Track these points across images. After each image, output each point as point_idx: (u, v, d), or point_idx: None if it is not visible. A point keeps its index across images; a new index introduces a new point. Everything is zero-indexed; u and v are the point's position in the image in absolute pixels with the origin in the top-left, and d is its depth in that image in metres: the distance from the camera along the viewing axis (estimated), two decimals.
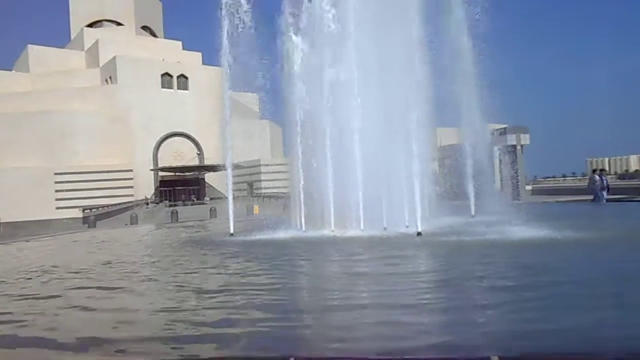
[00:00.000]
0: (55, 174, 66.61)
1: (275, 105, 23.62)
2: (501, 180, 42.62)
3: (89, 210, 46.00)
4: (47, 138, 69.13)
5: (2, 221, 53.08)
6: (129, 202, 63.06)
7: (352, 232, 16.69)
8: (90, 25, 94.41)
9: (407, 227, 17.00)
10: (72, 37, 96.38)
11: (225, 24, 19.44)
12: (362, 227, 17.00)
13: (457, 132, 24.93)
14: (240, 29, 19.43)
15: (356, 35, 18.33)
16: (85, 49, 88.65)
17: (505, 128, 43.02)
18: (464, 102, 22.61)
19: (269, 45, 20.83)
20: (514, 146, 43.05)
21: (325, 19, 18.79)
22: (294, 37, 19.47)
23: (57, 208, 63.43)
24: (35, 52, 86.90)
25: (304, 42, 19.45)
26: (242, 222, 22.57)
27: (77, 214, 49.98)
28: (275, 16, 20.33)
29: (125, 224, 34.69)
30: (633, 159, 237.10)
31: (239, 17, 19.47)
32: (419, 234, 15.36)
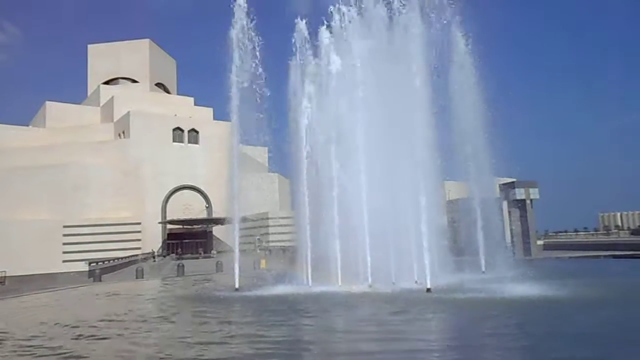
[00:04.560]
0: (64, 226, 66.79)
1: (284, 158, 23.88)
2: (511, 235, 42.01)
3: (95, 264, 45.66)
4: (59, 191, 69.90)
5: (7, 275, 52.71)
6: (135, 255, 62.63)
7: (360, 288, 16.30)
8: (106, 83, 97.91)
9: (417, 282, 16.60)
10: (89, 93, 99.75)
11: (235, 81, 20.03)
12: (370, 283, 16.62)
13: (465, 186, 24.83)
14: (249, 85, 20.00)
15: (363, 92, 18.74)
16: (101, 104, 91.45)
17: (514, 182, 42.84)
18: (472, 156, 22.66)
19: (277, 101, 21.36)
20: (523, 200, 42.69)
21: (332, 78, 19.32)
22: (302, 96, 19.95)
23: (64, 261, 63.06)
24: (52, 108, 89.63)
25: (312, 99, 19.90)
26: (248, 277, 22.22)
27: (84, 267, 49.58)
28: (284, 75, 21.02)
29: (134, 278, 34.26)
30: None
31: (249, 74, 20.08)
32: (428, 290, 14.97)
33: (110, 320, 12.04)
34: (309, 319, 11.63)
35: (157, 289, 23.03)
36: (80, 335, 10.07)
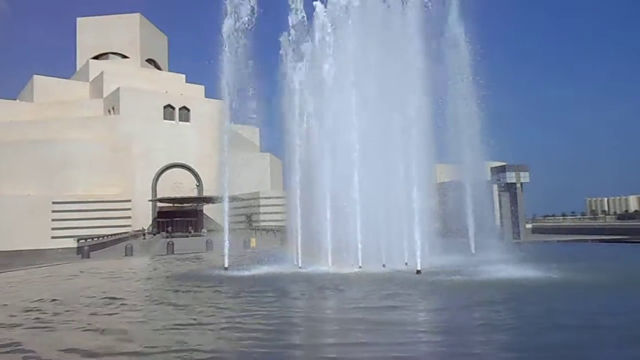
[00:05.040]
0: (53, 202, 66.25)
1: (276, 138, 23.69)
2: (501, 218, 42.31)
3: (83, 241, 45.36)
4: (47, 167, 69.17)
5: None
6: (125, 232, 62.43)
7: (349, 269, 16.33)
8: (96, 57, 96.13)
9: (407, 264, 16.65)
10: (78, 68, 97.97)
11: (227, 58, 19.66)
12: (360, 264, 16.65)
13: (456, 169, 24.84)
14: (242, 63, 19.65)
15: (356, 74, 18.49)
16: (90, 80, 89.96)
17: (504, 166, 42.97)
18: (464, 139, 22.62)
19: (271, 80, 21.05)
20: (514, 184, 42.89)
21: (325, 57, 19.02)
22: (294, 74, 19.63)
23: (53, 237, 62.70)
24: (40, 82, 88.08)
25: (306, 78, 19.60)
26: (238, 256, 22.19)
27: (73, 243, 49.34)
28: (276, 54, 20.63)
29: (123, 255, 34.16)
30: (632, 199, 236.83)
31: (241, 52, 19.71)
32: (418, 272, 15.02)
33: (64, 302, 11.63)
34: (292, 302, 11.43)
35: (144, 267, 22.88)
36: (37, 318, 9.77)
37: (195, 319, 9.30)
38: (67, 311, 10.43)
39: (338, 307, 10.76)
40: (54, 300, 11.87)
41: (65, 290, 14.05)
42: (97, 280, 16.70)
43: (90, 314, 10.10)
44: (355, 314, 9.53)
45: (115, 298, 12.01)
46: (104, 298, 12.12)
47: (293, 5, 19.96)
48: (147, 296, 13.11)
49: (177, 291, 13.07)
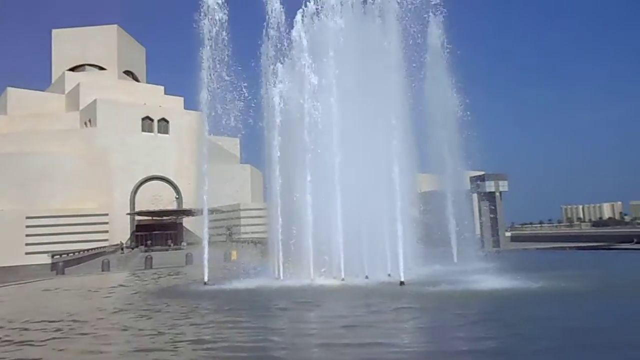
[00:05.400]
0: (27, 217, 64.47)
1: (256, 149, 23.47)
2: (481, 227, 42.70)
3: (58, 256, 44.09)
4: (22, 180, 67.38)
5: None
6: (102, 247, 60.98)
7: (332, 281, 16.11)
8: (72, 69, 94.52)
9: (390, 275, 16.51)
10: (54, 80, 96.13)
11: (206, 68, 19.48)
12: (342, 276, 16.45)
13: (436, 179, 24.98)
14: (221, 74, 19.49)
15: (337, 82, 18.46)
16: (66, 92, 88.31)
17: (484, 175, 43.48)
18: (444, 149, 22.79)
19: (251, 91, 20.88)
20: (493, 193, 43.38)
21: (306, 67, 18.95)
22: (273, 85, 19.51)
23: (27, 253, 60.91)
24: (14, 95, 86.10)
25: (285, 88, 19.49)
26: (218, 269, 21.74)
27: (47, 259, 47.97)
28: (256, 63, 20.51)
29: (99, 271, 33.28)
30: (606, 206, 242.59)
31: (220, 62, 19.56)
32: (401, 283, 14.89)
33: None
34: (270, 319, 10.84)
35: (120, 282, 22.17)
36: None
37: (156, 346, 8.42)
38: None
39: (320, 327, 9.92)
40: None
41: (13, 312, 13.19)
42: (59, 299, 15.94)
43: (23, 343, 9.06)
44: (340, 338, 8.53)
45: (74, 321, 11.05)
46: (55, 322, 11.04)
47: (272, 16, 19.90)
48: (100, 318, 11.70)
49: (146, 310, 12.25)
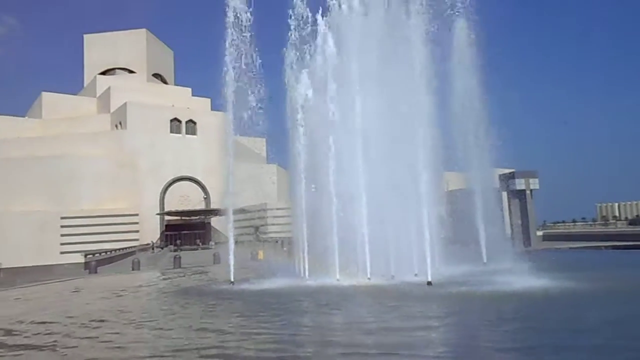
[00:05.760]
0: (62, 218, 66.41)
1: (282, 149, 23.46)
2: (511, 226, 41.69)
3: (91, 256, 45.25)
4: (55, 182, 69.45)
5: (4, 267, 52.36)
6: (132, 247, 62.30)
7: (358, 281, 15.94)
8: (103, 73, 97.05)
9: (416, 275, 16.23)
10: (85, 84, 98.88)
11: (232, 70, 19.55)
12: (368, 276, 16.26)
13: (464, 177, 24.47)
14: (246, 75, 19.53)
15: (361, 80, 18.26)
16: (98, 95, 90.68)
17: (513, 172, 42.42)
18: (472, 146, 22.28)
19: (276, 91, 20.90)
20: (523, 191, 42.30)
21: (331, 67, 18.82)
22: (299, 85, 19.44)
23: (62, 253, 62.74)
24: (48, 99, 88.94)
25: (310, 89, 19.40)
26: (244, 269, 21.84)
27: (81, 259, 49.28)
28: (282, 63, 20.50)
29: (130, 270, 33.98)
30: None
31: (246, 64, 19.60)
32: (429, 283, 14.60)
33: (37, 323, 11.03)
34: (290, 324, 10.42)
35: (147, 282, 22.50)
36: None
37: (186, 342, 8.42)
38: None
39: (343, 333, 9.39)
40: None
41: (51, 311, 13.44)
42: (92, 298, 16.29)
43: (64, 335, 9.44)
44: (365, 347, 7.93)
45: (103, 320, 11.21)
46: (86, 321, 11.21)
47: (296, 17, 19.84)
48: (130, 319, 11.71)
49: (176, 305, 12.52)
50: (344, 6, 19.70)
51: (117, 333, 9.74)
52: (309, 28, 19.89)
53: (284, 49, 19.89)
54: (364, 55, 18.54)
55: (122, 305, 13.99)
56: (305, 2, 19.96)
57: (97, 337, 9.35)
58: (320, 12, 19.70)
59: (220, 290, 16.09)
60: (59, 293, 18.40)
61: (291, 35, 19.87)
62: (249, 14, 19.81)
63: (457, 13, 22.01)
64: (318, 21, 19.72)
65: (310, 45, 19.97)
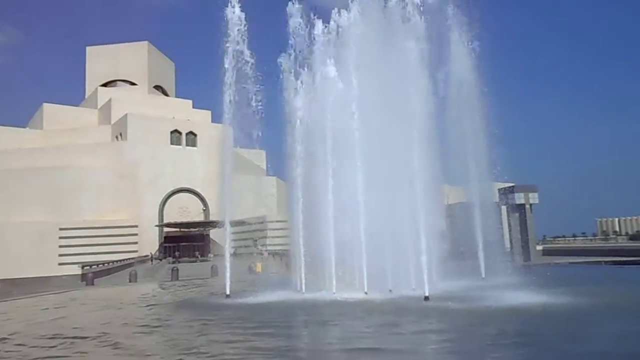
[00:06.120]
0: (60, 229, 66.22)
1: (281, 161, 23.48)
2: (510, 240, 41.52)
3: (88, 267, 44.97)
4: (55, 193, 69.35)
5: (2, 278, 52.02)
6: (130, 258, 62.00)
7: (355, 295, 15.81)
8: (104, 85, 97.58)
9: (414, 289, 16.10)
10: (87, 95, 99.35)
11: (231, 82, 19.64)
12: (365, 290, 16.13)
13: (463, 190, 24.41)
14: (245, 87, 19.62)
15: (359, 94, 18.32)
16: (99, 107, 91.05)
17: (513, 187, 42.37)
18: (471, 160, 22.25)
19: (275, 104, 20.97)
20: (523, 205, 42.23)
21: (328, 81, 18.91)
22: (296, 98, 19.52)
23: (60, 264, 62.47)
24: (49, 110, 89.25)
25: (307, 102, 19.47)
26: (241, 281, 21.70)
27: (79, 270, 48.96)
28: (279, 77, 20.61)
29: (127, 282, 33.76)
30: None
31: (245, 77, 19.70)
32: (426, 298, 14.48)
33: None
34: (285, 338, 10.20)
35: (143, 294, 22.22)
36: None
37: None
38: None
39: (338, 349, 9.17)
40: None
41: (31, 324, 12.99)
42: (80, 311, 15.98)
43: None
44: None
45: (77, 337, 10.66)
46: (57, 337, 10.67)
47: (293, 28, 19.98)
48: (107, 339, 10.82)
49: (150, 327, 11.97)
50: (342, 25, 19.86)
51: (85, 353, 9.08)
52: (307, 41, 20.01)
53: (281, 61, 20.01)
54: (362, 71, 18.62)
55: (105, 320, 13.53)
56: (304, 19, 20.13)
57: None
58: (318, 27, 19.85)
59: (216, 305, 15.94)
60: (46, 307, 17.98)
61: (288, 47, 20.00)
62: (245, 28, 19.95)
63: (458, 31, 22.19)
64: (316, 36, 19.86)
65: (309, 59, 20.09)
